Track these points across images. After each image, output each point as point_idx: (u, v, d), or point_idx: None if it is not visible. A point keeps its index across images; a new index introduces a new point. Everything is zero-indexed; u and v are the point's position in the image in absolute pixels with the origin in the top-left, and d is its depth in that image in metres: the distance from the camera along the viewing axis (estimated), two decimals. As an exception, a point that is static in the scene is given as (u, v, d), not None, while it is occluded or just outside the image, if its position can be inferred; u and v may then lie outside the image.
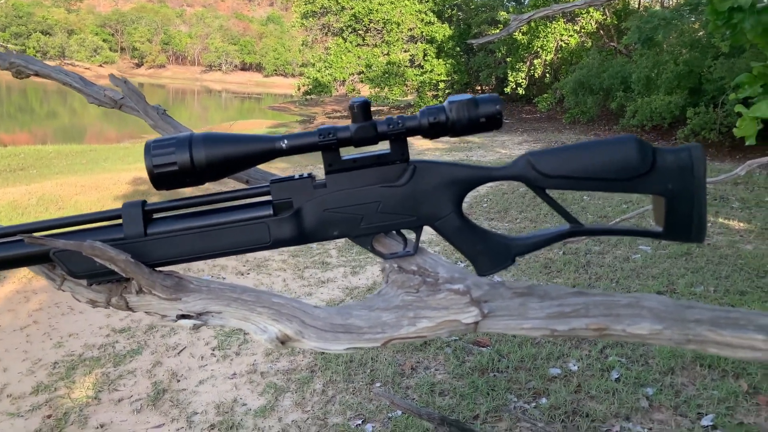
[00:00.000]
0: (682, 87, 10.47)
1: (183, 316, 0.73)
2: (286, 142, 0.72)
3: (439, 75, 18.51)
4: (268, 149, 0.72)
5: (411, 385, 2.89)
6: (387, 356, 3.11)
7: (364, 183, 0.75)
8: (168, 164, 0.70)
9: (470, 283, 0.72)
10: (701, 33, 10.79)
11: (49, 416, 2.76)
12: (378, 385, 2.90)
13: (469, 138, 13.55)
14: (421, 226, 0.77)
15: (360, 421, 2.61)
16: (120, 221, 0.76)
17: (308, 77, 19.24)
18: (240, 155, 0.72)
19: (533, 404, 2.69)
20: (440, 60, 18.73)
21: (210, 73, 67.44)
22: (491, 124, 0.72)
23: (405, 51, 19.33)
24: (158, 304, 0.74)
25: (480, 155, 10.74)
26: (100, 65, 62.44)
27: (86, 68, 58.59)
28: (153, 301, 0.74)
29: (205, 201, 0.77)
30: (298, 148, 0.73)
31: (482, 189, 7.61)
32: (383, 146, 0.76)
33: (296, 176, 0.76)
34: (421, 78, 18.59)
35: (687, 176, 0.69)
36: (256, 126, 19.41)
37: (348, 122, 0.74)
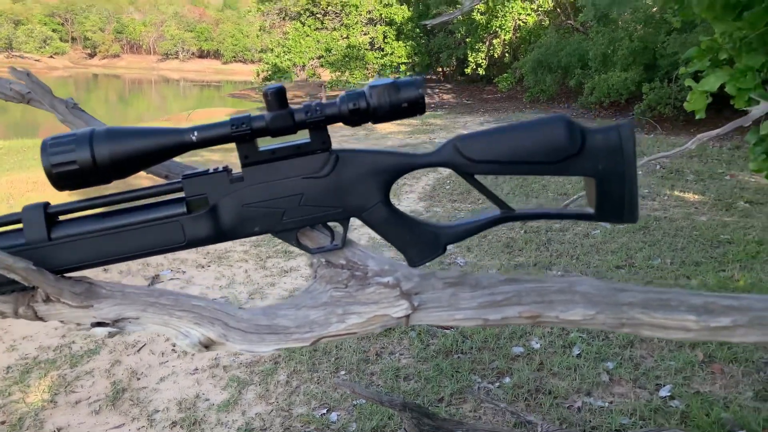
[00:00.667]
0: (638, 63, 10.64)
1: (98, 324, 0.69)
2: (196, 134, 0.68)
3: (399, 57, 18.43)
4: (176, 143, 0.68)
5: (376, 371, 2.88)
6: (351, 344, 3.09)
7: (284, 175, 0.71)
8: (67, 163, 0.65)
9: (400, 276, 0.69)
10: (655, 9, 10.95)
11: (2, 422, 2.67)
12: (343, 373, 2.88)
13: (432, 120, 13.56)
14: (348, 218, 0.73)
15: (325, 410, 2.59)
16: (21, 226, 0.70)
17: (267, 63, 18.92)
18: (146, 150, 0.67)
19: (497, 384, 2.71)
20: (400, 42, 18.63)
21: (167, 61, 65.77)
22: (414, 109, 0.68)
23: (364, 34, 19.16)
24: (70, 313, 0.70)
25: (442, 137, 10.74)
26: (51, 56, 60.33)
27: (36, 60, 56.58)
28: (64, 310, 0.69)
29: (114, 200, 0.72)
30: (209, 140, 0.68)
31: (444, 171, 7.63)
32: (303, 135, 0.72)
33: (210, 170, 0.72)
34: (382, 61, 18.48)
35: (617, 156, 0.67)
36: (217, 114, 19.04)
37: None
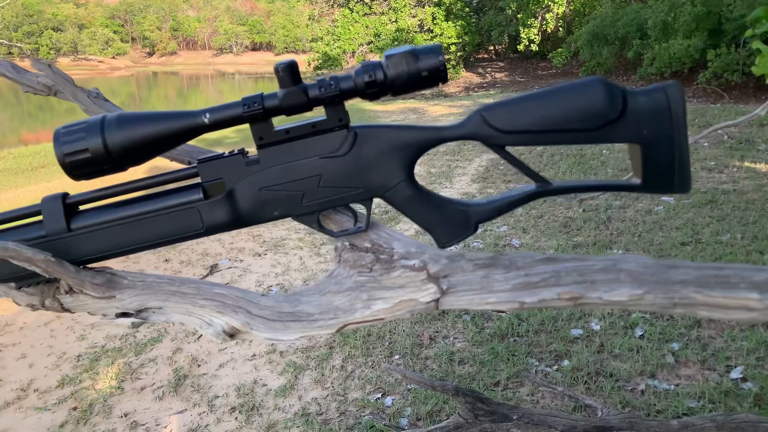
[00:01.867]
0: (701, 29, 10.06)
1: (122, 314, 0.68)
2: (208, 116, 0.65)
3: (449, 38, 18.14)
4: (189, 126, 0.65)
5: (430, 355, 2.86)
6: (405, 328, 3.08)
7: (300, 156, 0.68)
8: (79, 151, 0.64)
9: (427, 258, 0.65)
10: (719, -30, 10.32)
11: (74, 408, 2.80)
12: (397, 357, 2.86)
13: (484, 99, 13.30)
14: (371, 199, 0.69)
15: (380, 395, 2.58)
16: (41, 218, 0.70)
17: (317, 52, 19.05)
18: (158, 135, 0.65)
19: (555, 367, 2.63)
20: (449, 23, 18.33)
21: (221, 56, 67.23)
22: (434, 78, 0.63)
23: (413, 16, 18.96)
24: (94, 304, 0.69)
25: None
26: (113, 57, 62.73)
27: (100, 61, 58.96)
28: (88, 301, 0.69)
29: (131, 188, 0.70)
30: (222, 121, 0.66)
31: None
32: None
33: (226, 153, 0.70)
34: (432, 43, 18.26)
35: (664, 119, 0.60)
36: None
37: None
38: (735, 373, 2.43)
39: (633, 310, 0.58)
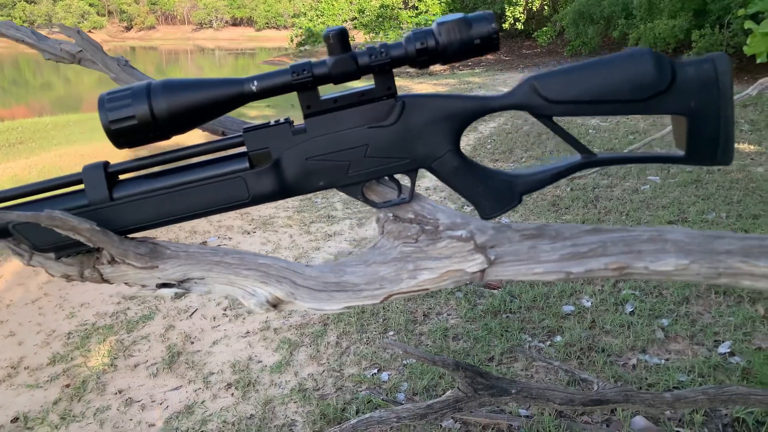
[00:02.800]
0: (686, 9, 10.11)
1: (163, 285, 0.67)
2: (256, 83, 0.64)
3: (434, 15, 18.00)
4: (236, 93, 0.64)
5: (424, 331, 2.88)
6: (398, 305, 3.09)
7: (348, 125, 0.67)
8: (126, 118, 0.62)
9: (473, 228, 0.65)
10: (705, -51, 10.34)
11: (67, 385, 2.78)
12: (391, 333, 2.88)
13: (469, 78, 13.27)
14: (416, 169, 0.69)
15: (376, 370, 2.60)
16: (83, 187, 0.69)
17: (300, 28, 18.80)
18: (205, 102, 0.64)
19: (548, 343, 2.67)
20: (434, -1, 18.19)
21: (201, 31, 65.98)
22: (487, 45, 0.63)
23: (398, -8, 18.77)
24: (135, 274, 0.68)
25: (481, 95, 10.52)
26: (89, 31, 61.20)
27: (75, 35, 57.48)
28: (129, 271, 0.68)
29: (174, 157, 0.69)
30: (270, 89, 0.65)
31: (485, 130, 7.48)
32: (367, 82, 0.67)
33: (272, 122, 0.68)
34: (416, 19, 18.10)
35: (711, 91, 0.61)
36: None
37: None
38: (723, 348, 2.49)
39: (678, 280, 0.58)
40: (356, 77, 0.65)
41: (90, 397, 2.66)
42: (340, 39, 0.63)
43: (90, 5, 64.77)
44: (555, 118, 0.65)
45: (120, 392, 2.67)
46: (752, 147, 5.49)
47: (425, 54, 0.63)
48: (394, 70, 0.66)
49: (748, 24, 2.66)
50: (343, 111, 0.67)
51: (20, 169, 6.86)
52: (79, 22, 60.86)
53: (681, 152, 0.65)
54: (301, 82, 0.64)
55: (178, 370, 2.80)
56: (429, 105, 0.66)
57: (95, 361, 2.93)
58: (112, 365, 2.88)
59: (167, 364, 2.83)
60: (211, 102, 0.64)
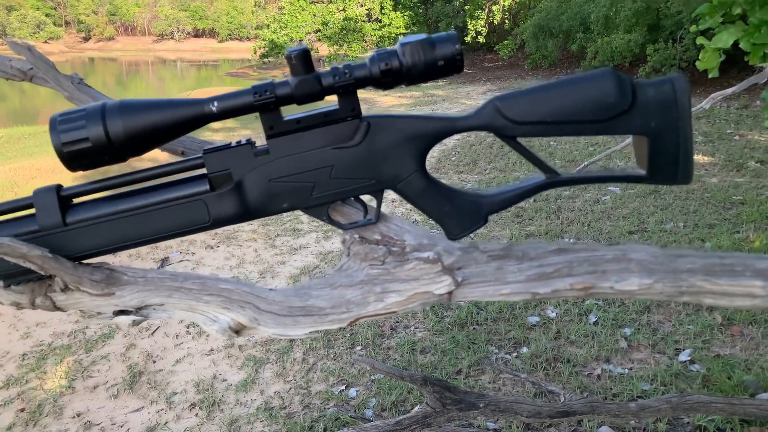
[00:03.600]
0: (641, 24, 10.44)
1: (120, 312, 0.65)
2: (216, 104, 0.62)
3: (398, 28, 18.18)
4: (196, 114, 0.62)
5: (392, 345, 2.87)
6: (365, 318, 3.07)
7: (312, 146, 0.66)
8: (79, 140, 0.60)
9: (441, 250, 0.65)
10: (658, -33, 10.70)
11: (22, 410, 2.67)
12: (359, 348, 2.86)
13: (433, 90, 13.39)
14: (382, 190, 0.68)
15: (344, 387, 2.58)
16: (33, 211, 0.66)
17: (264, 39, 18.72)
18: (163, 124, 0.62)
19: (514, 354, 2.69)
20: (398, 12, 18.36)
21: (162, 42, 65.10)
22: (451, 67, 0.62)
23: (361, 5, 18.86)
24: (90, 302, 0.65)
25: (445, 107, 10.63)
26: (45, 42, 59.76)
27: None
28: (84, 299, 0.65)
29: (130, 180, 0.67)
30: (231, 110, 0.63)
31: (449, 142, 7.55)
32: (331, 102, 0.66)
33: (233, 143, 0.67)
34: (380, 32, 18.23)
35: (671, 111, 0.62)
36: (215, 94, 18.86)
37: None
38: (683, 356, 2.54)
39: (642, 299, 0.59)
40: (320, 98, 0.64)
41: (46, 422, 2.56)
42: (302, 59, 0.62)
43: (46, 15, 63.29)
44: (519, 139, 0.65)
45: (78, 415, 2.58)
46: (706, 158, 5.67)
47: (389, 75, 0.63)
48: None
49: (700, 40, 2.75)
50: (307, 132, 0.66)
51: (-25, 181, 6.62)
52: (34, 33, 59.43)
53: (642, 171, 0.66)
54: (263, 103, 0.63)
55: (140, 390, 2.72)
56: (394, 126, 0.66)
57: (52, 383, 2.83)
58: (69, 387, 2.79)
59: (128, 385, 2.75)
60: (169, 123, 0.62)
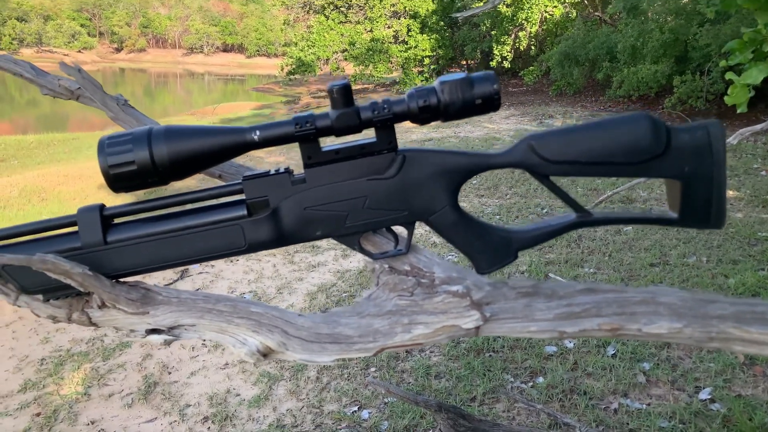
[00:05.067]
0: (668, 55, 10.38)
1: (153, 331, 0.66)
2: (258, 133, 0.64)
3: (423, 51, 18.29)
4: (238, 142, 0.64)
5: (406, 368, 2.85)
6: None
7: (348, 176, 0.67)
8: (125, 163, 0.62)
9: (470, 284, 0.65)
10: (686, 0, 10.67)
11: (38, 414, 2.70)
12: (373, 370, 2.85)
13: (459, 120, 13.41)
14: (414, 222, 0.69)
15: (356, 408, 2.57)
16: (76, 229, 0.68)
17: (291, 57, 18.95)
18: (207, 151, 0.64)
19: (530, 384, 2.66)
20: (424, 35, 18.49)
21: (192, 55, 66.34)
22: (488, 105, 0.64)
23: (388, 27, 19.06)
24: (125, 319, 0.67)
25: (468, 131, 10.65)
26: (79, 51, 61.27)
27: (65, 54, 57.46)
28: (119, 316, 0.67)
29: (170, 203, 0.69)
30: (272, 139, 0.65)
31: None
32: (368, 134, 0.68)
33: (272, 171, 0.68)
34: (406, 54, 18.36)
35: (705, 157, 0.62)
36: (241, 108, 19.14)
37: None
38: (704, 394, 2.49)
39: (670, 342, 0.59)
40: (358, 131, 0.65)
41: (61, 428, 2.58)
42: (343, 93, 0.64)
43: (81, 26, 64.95)
44: (552, 177, 0.66)
45: (92, 423, 2.60)
46: (731, 193, 5.60)
47: (427, 111, 0.64)
48: None
49: (730, 75, 2.74)
50: (344, 162, 0.67)
51: (1, 187, 6.77)
52: (69, 42, 60.95)
53: (675, 215, 0.66)
54: (303, 134, 0.64)
55: (154, 401, 2.74)
56: (429, 160, 0.67)
57: (68, 389, 2.86)
58: (85, 394, 2.81)
59: (143, 395, 2.77)
60: (212, 150, 0.64)
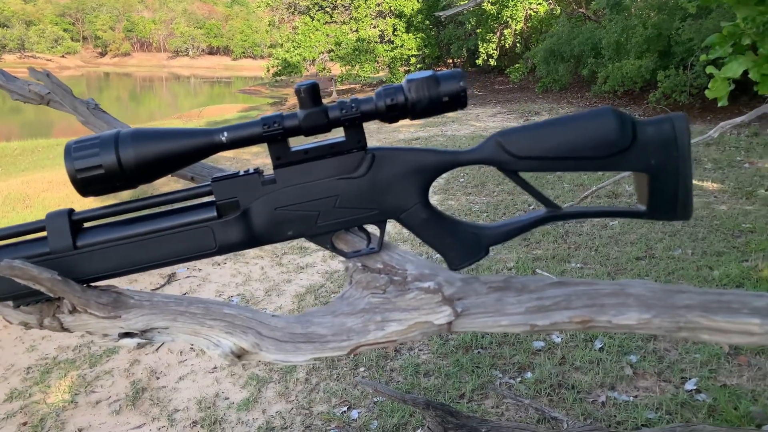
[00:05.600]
0: (652, 50, 10.46)
1: (126, 335, 0.66)
2: (225, 134, 0.64)
3: (409, 50, 18.32)
4: (205, 144, 0.64)
5: (395, 367, 2.86)
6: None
7: (318, 176, 0.68)
8: (92, 167, 0.62)
9: (441, 280, 0.66)
10: (669, -5, 10.76)
11: (24, 423, 2.68)
12: (362, 369, 2.85)
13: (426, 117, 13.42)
14: (385, 220, 0.70)
15: (346, 408, 2.57)
16: (45, 234, 0.67)
17: (277, 58, 18.89)
18: (174, 153, 0.64)
19: (518, 379, 2.67)
20: (410, 34, 18.51)
21: (177, 59, 66.01)
22: (455, 103, 0.64)
23: (374, 27, 19.06)
24: (97, 324, 0.67)
25: (454, 129, 10.68)
26: (63, 56, 60.76)
27: (48, 59, 56.99)
28: (91, 321, 0.67)
29: (140, 206, 0.69)
30: (240, 140, 0.65)
31: (458, 163, 7.55)
32: (337, 134, 0.68)
33: (241, 172, 0.69)
34: (392, 54, 18.37)
35: (670, 150, 0.63)
36: (228, 111, 19.07)
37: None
38: (689, 385, 2.51)
39: (639, 333, 0.59)
40: (326, 130, 0.66)
41: (48, 436, 2.56)
42: (311, 93, 0.64)
43: (64, 30, 64.40)
44: (521, 173, 0.66)
45: (80, 430, 2.59)
46: (715, 185, 5.65)
47: (395, 110, 0.64)
48: None
49: (710, 69, 2.77)
50: (314, 162, 0.67)
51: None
52: (52, 47, 60.42)
53: (643, 207, 0.67)
54: (271, 134, 0.64)
55: (142, 407, 2.72)
56: (398, 158, 0.67)
57: (55, 397, 2.84)
58: (72, 402, 2.79)
59: (131, 401, 2.76)
60: (179, 153, 0.64)
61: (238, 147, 0.65)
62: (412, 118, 0.66)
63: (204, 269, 4.38)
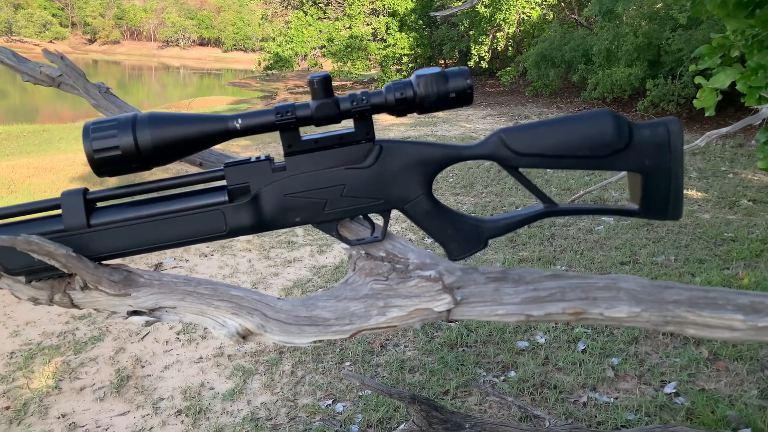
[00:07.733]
0: (642, 59, 10.58)
1: (134, 313, 0.68)
2: (240, 121, 0.66)
3: (402, 49, 18.32)
4: (220, 130, 0.66)
5: (381, 363, 2.88)
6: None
7: (326, 165, 0.70)
8: (110, 148, 0.64)
9: (442, 269, 0.68)
10: (660, 5, 10.89)
11: (7, 407, 2.67)
12: (348, 364, 2.88)
13: (434, 112, 13.48)
14: (389, 210, 0.72)
15: (330, 401, 2.59)
16: (60, 212, 0.69)
17: (269, 52, 18.80)
18: (189, 137, 0.66)
19: (502, 378, 2.71)
20: (403, 33, 18.52)
21: (167, 48, 65.45)
22: (461, 99, 0.67)
23: (367, 24, 19.04)
24: (106, 301, 0.68)
25: (445, 129, 10.72)
26: (50, 41, 59.95)
27: (35, 44, 56.16)
28: (100, 298, 0.68)
29: (153, 188, 0.71)
30: (253, 128, 0.67)
31: (447, 164, 7.59)
32: (347, 125, 0.71)
33: (253, 159, 0.71)
34: (384, 52, 18.37)
35: (664, 152, 0.66)
36: (217, 103, 18.95)
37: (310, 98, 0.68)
38: (669, 388, 2.57)
39: (629, 326, 0.62)
40: (337, 121, 0.68)
41: (31, 421, 2.55)
42: (324, 85, 0.66)
43: (53, 15, 63.60)
44: (520, 169, 0.69)
45: (63, 416, 2.58)
46: (699, 194, 5.75)
47: (403, 104, 0.67)
48: None
49: (699, 80, 2.81)
50: (323, 152, 0.70)
51: (-31, 178, 6.61)
52: (40, 32, 59.64)
53: (635, 206, 0.70)
54: (284, 122, 0.67)
55: (127, 394, 2.73)
56: (405, 150, 0.70)
57: (39, 382, 2.83)
58: (56, 387, 2.78)
59: (115, 388, 2.75)
60: (195, 137, 0.66)
61: (251, 134, 0.67)
62: (420, 113, 0.68)
63: (191, 260, 4.38)
